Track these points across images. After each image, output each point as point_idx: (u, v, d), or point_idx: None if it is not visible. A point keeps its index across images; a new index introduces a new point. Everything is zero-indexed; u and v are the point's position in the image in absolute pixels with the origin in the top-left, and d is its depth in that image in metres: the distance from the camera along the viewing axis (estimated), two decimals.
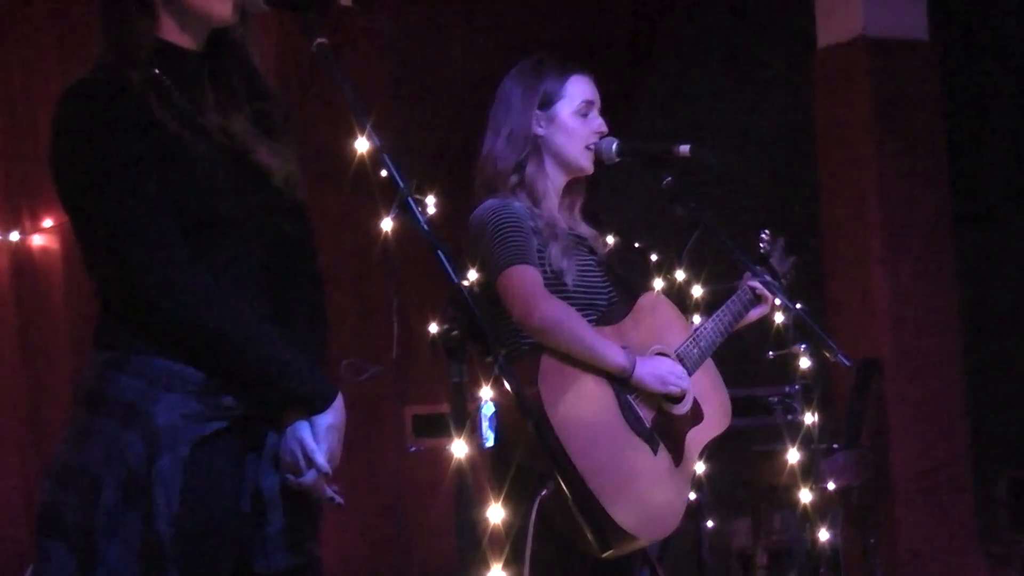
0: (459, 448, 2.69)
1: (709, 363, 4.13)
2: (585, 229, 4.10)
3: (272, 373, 2.77)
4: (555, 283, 3.85)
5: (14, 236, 6.45)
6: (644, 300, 4.07)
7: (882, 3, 7.27)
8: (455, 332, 2.67)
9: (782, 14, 8.39)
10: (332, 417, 2.84)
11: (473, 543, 2.79)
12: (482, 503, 2.82)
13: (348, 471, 2.92)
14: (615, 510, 3.59)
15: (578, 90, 4.03)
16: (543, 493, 3.47)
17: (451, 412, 2.70)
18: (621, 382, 3.82)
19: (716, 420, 4.08)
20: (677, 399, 3.95)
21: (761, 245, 4.40)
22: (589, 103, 4.04)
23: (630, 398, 3.85)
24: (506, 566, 2.75)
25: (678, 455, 3.92)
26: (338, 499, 2.87)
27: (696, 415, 4.01)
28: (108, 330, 2.81)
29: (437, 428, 5.60)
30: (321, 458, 2.81)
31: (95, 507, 2.68)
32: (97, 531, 2.68)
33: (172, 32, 2.87)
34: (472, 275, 3.67)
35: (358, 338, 6.22)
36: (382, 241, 2.75)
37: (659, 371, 3.88)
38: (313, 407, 2.82)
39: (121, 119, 2.74)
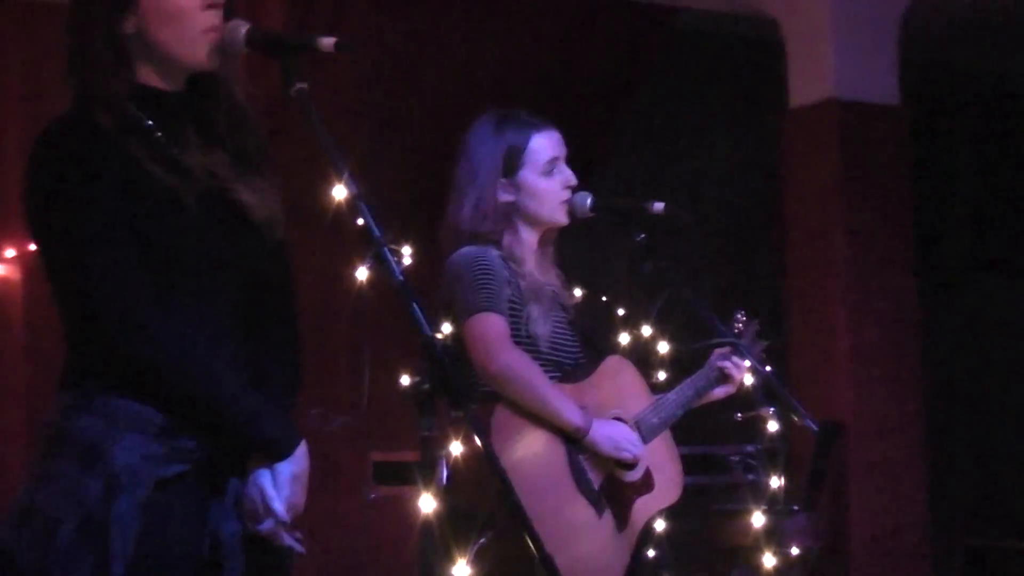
0: (426, 503, 2.66)
1: (667, 434, 4.11)
2: (555, 279, 4.07)
3: (231, 419, 2.75)
4: (528, 344, 3.84)
5: None
6: (608, 363, 4.03)
7: (854, 67, 7.31)
8: (426, 385, 2.65)
9: (754, 74, 8.44)
10: (294, 466, 2.82)
11: None
12: (447, 560, 2.79)
13: (308, 516, 2.90)
14: None
15: (542, 149, 3.97)
16: (481, 541, 3.44)
17: (420, 466, 2.68)
18: (574, 441, 3.80)
19: (666, 491, 4.05)
20: (629, 466, 3.93)
21: (736, 326, 4.35)
22: (554, 159, 3.98)
23: (581, 458, 3.82)
24: None
25: (622, 521, 3.89)
26: (298, 548, 2.84)
27: (647, 484, 3.97)
28: (72, 372, 2.80)
29: (398, 476, 5.57)
30: (279, 506, 2.79)
31: (50, 548, 2.66)
32: (52, 572, 2.65)
33: (150, 76, 2.86)
34: (446, 328, 3.65)
35: (319, 385, 6.19)
36: (356, 291, 2.74)
37: (614, 435, 3.85)
38: (274, 454, 2.80)
39: (93, 162, 2.74)
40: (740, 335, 4.31)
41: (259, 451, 2.80)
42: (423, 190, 4.62)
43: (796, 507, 6.45)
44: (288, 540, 2.83)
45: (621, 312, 5.34)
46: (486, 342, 3.74)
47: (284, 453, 2.81)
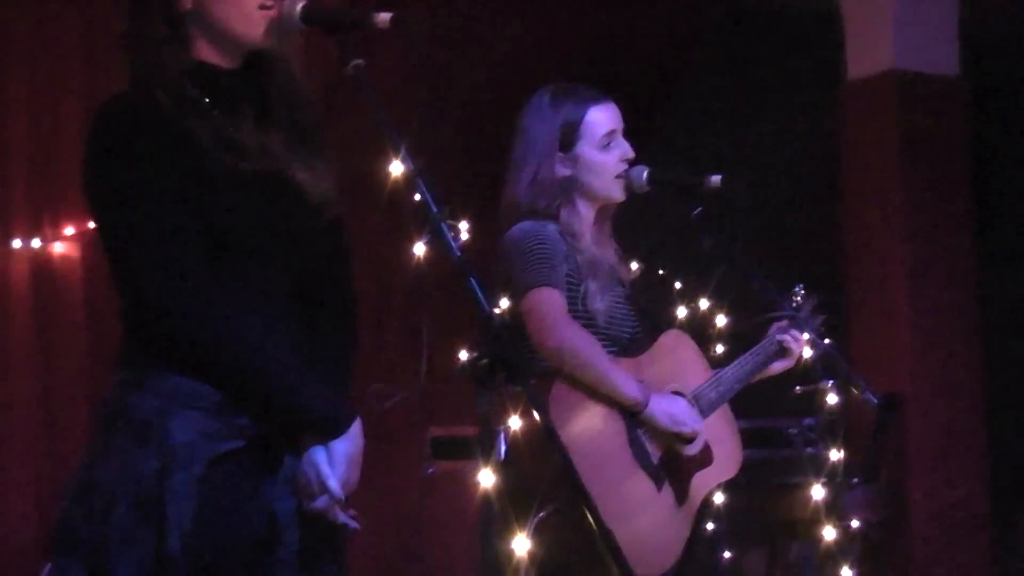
0: (486, 478, 2.66)
1: (725, 408, 4.09)
2: (613, 254, 4.05)
3: (284, 398, 2.77)
4: (585, 319, 3.82)
5: (35, 243, 6.44)
6: (666, 337, 4.02)
7: (913, 37, 7.25)
8: (484, 360, 2.65)
9: (812, 45, 8.38)
10: (348, 444, 2.83)
11: (497, 572, 2.77)
12: (507, 533, 2.79)
13: (365, 491, 2.91)
14: None
15: (598, 122, 3.94)
16: (540, 516, 3.44)
17: (479, 441, 2.68)
18: (632, 416, 3.79)
19: (725, 465, 4.03)
20: (688, 440, 3.92)
21: (794, 299, 4.32)
22: (611, 133, 3.95)
23: (640, 432, 3.82)
24: None
25: (682, 495, 3.89)
26: (352, 524, 2.86)
27: (706, 458, 3.96)
28: (128, 350, 2.82)
29: (457, 451, 5.57)
30: (334, 483, 2.80)
31: (108, 523, 2.69)
32: (109, 546, 2.68)
33: (207, 52, 2.87)
34: (504, 303, 3.65)
35: (377, 361, 6.20)
36: (414, 267, 2.74)
37: (672, 410, 3.85)
38: (328, 432, 2.81)
39: (150, 140, 2.76)
40: (799, 308, 4.28)
41: (313, 429, 2.81)
42: (479, 165, 4.61)
43: (856, 480, 6.41)
44: (343, 517, 2.85)
45: (678, 286, 5.32)
46: (544, 317, 3.73)
47: (338, 431, 2.82)
